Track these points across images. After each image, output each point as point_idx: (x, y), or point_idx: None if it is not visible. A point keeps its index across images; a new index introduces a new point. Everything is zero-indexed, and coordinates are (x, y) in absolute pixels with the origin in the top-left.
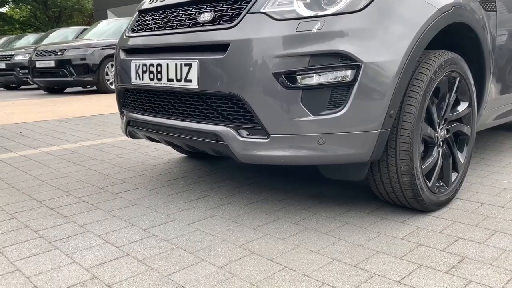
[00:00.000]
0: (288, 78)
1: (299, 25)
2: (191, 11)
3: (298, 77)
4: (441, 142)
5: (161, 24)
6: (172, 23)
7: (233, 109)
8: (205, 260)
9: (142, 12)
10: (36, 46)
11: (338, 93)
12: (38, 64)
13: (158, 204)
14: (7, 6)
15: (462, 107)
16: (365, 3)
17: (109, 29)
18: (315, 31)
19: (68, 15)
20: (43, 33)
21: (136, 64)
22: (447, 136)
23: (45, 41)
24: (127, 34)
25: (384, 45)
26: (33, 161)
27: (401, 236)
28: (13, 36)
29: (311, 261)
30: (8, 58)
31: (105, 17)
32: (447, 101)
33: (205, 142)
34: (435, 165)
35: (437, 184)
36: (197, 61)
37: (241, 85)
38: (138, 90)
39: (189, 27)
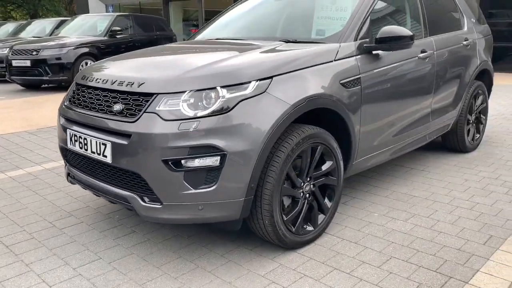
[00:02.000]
0: (173, 163)
1: (180, 124)
2: (110, 98)
3: (181, 163)
4: (307, 195)
5: (88, 103)
6: (95, 105)
7: (136, 181)
8: None
9: (78, 84)
10: (13, 44)
11: (211, 173)
12: (15, 63)
13: (92, 241)
14: None
15: (327, 165)
16: (232, 105)
17: (83, 25)
18: (192, 129)
19: None
20: (23, 22)
21: (70, 133)
22: (313, 189)
23: (22, 34)
24: (65, 103)
25: (245, 138)
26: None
27: (262, 274)
28: None
29: None
30: None
31: (85, 1)
32: (308, 165)
33: (120, 202)
34: (299, 214)
35: (304, 226)
36: (110, 142)
37: (140, 166)
38: (72, 152)
39: (105, 113)
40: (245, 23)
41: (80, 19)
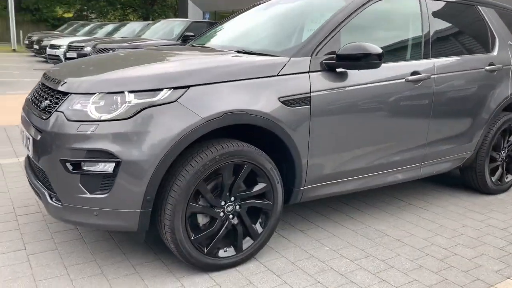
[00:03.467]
0: (72, 165)
1: (80, 126)
2: (42, 97)
3: (79, 165)
4: (231, 216)
5: (35, 100)
6: (32, 104)
7: (44, 177)
8: None
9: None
10: (96, 42)
11: (106, 180)
12: None
13: None
14: None
15: (259, 187)
16: (134, 112)
17: (163, 29)
18: (89, 132)
19: None
20: (118, 23)
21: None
22: (238, 210)
23: (116, 34)
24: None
25: (143, 147)
26: None
27: None
28: (96, 24)
29: None
30: (79, 49)
31: (186, 7)
32: (230, 184)
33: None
34: (215, 235)
35: (225, 249)
36: (31, 137)
37: (44, 164)
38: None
39: (35, 110)
40: (231, 32)
41: (161, 23)
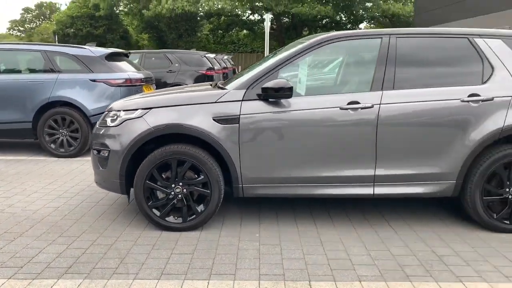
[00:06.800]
0: (96, 150)
1: (102, 129)
2: None
3: (97, 151)
4: (179, 195)
5: None
6: None
7: None
8: None
9: None
10: None
11: (106, 160)
12: None
13: None
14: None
15: (199, 178)
16: (121, 121)
17: None
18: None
19: None
20: None
21: None
22: (185, 192)
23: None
24: None
25: (121, 141)
26: None
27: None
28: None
29: None
30: None
31: None
32: (175, 173)
33: None
34: (165, 205)
35: (176, 217)
36: None
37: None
38: None
39: None
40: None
41: None
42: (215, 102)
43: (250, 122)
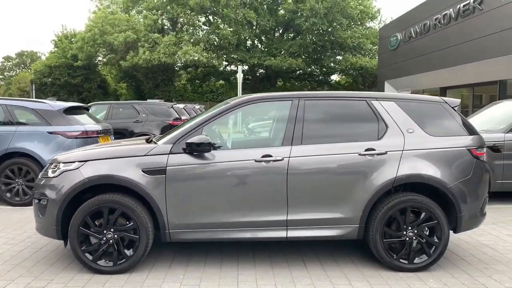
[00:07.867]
0: (36, 199)
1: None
2: None
3: (37, 199)
4: (110, 241)
5: None
6: None
7: None
8: None
9: None
10: None
11: (45, 208)
12: None
13: None
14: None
15: (128, 224)
16: (60, 173)
17: None
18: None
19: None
20: None
21: None
22: (115, 237)
23: None
24: None
25: (56, 191)
26: None
27: None
28: None
29: None
30: None
31: (383, 88)
32: (106, 219)
33: None
34: (96, 250)
35: (107, 261)
36: None
37: None
38: None
39: None
40: None
41: None
42: (145, 155)
43: (175, 173)
